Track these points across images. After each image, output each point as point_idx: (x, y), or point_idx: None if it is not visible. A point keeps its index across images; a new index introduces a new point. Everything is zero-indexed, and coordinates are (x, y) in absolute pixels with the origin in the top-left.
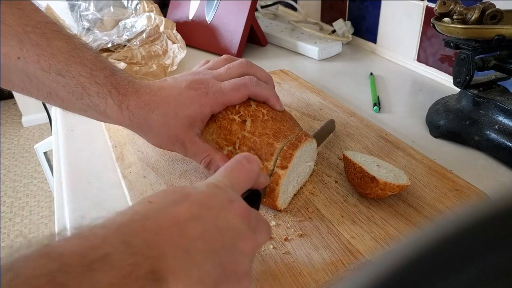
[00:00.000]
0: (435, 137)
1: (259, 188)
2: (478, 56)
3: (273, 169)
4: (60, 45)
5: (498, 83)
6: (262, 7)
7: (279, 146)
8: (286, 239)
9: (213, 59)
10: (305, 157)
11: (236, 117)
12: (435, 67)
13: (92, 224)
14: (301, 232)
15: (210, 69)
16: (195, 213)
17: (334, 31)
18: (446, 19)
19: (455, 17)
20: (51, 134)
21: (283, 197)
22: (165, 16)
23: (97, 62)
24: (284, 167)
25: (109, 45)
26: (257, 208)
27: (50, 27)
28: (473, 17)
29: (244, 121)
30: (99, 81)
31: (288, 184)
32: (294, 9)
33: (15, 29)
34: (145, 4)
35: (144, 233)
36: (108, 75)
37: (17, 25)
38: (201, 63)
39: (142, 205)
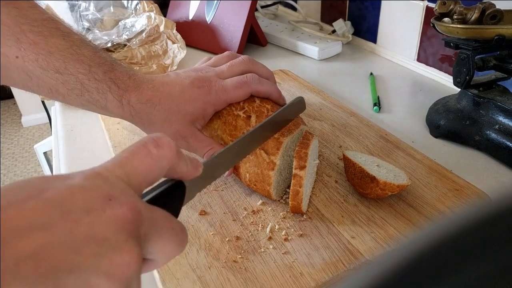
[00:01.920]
0: (435, 137)
1: (186, 179)
2: (478, 56)
3: (279, 164)
4: (57, 43)
5: (498, 83)
6: (262, 7)
7: (285, 140)
8: (286, 239)
9: (215, 56)
10: (313, 155)
11: (241, 113)
12: (435, 67)
13: None
14: (301, 232)
15: (212, 66)
16: (39, 218)
17: (334, 31)
18: (446, 19)
19: (455, 17)
20: (51, 134)
21: (305, 199)
22: (165, 16)
23: (95, 58)
24: (302, 167)
25: (109, 45)
26: (179, 205)
27: (47, 24)
28: (473, 17)
29: (249, 117)
30: (98, 77)
31: (306, 186)
32: (294, 9)
33: (12, 29)
34: (145, 4)
35: None
36: (107, 71)
37: (14, 24)
38: (203, 59)
39: None
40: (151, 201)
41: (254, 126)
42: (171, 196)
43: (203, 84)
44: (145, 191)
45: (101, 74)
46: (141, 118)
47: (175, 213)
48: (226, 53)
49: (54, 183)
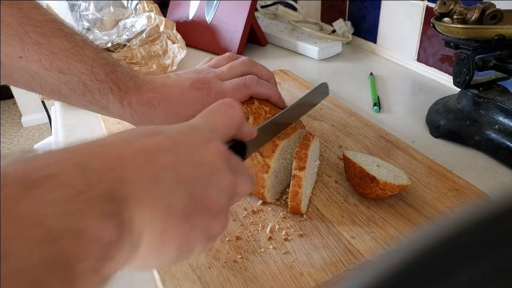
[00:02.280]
0: (435, 137)
1: (245, 140)
2: (478, 56)
3: (274, 166)
4: (60, 43)
5: (498, 83)
6: (262, 7)
7: (281, 144)
8: (286, 239)
9: (216, 57)
10: (313, 156)
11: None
12: (435, 67)
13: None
14: (301, 232)
15: (213, 67)
16: (166, 146)
17: (334, 31)
18: (446, 19)
19: (455, 17)
20: (51, 134)
21: (305, 200)
22: (165, 16)
23: (97, 58)
24: (302, 168)
25: (109, 45)
26: (243, 159)
27: (50, 25)
28: (473, 17)
29: (247, 118)
30: (100, 78)
31: (306, 187)
32: (294, 9)
33: (15, 29)
34: (145, 4)
35: (106, 157)
36: (109, 72)
37: (18, 25)
38: (205, 60)
39: (109, 136)
40: None
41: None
42: (237, 151)
43: (203, 86)
44: None
45: (103, 75)
46: (141, 119)
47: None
48: (226, 54)
49: (165, 128)
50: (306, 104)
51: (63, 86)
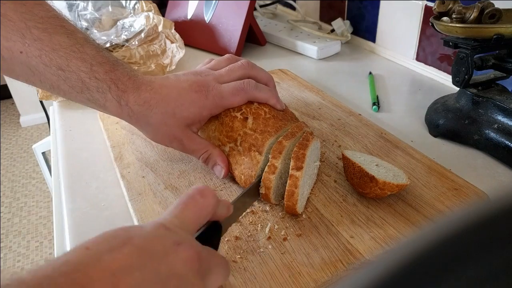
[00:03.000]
0: (434, 136)
1: (220, 220)
2: (477, 55)
3: (280, 168)
4: (61, 40)
5: (497, 82)
6: (261, 6)
7: (287, 144)
8: (285, 239)
9: (216, 58)
10: (312, 157)
11: (238, 114)
12: (434, 66)
13: (16, 277)
14: (300, 232)
15: (212, 68)
16: (134, 261)
17: (333, 31)
18: (445, 18)
19: (454, 16)
20: (49, 134)
21: (301, 200)
22: (163, 16)
23: (98, 57)
24: (299, 168)
25: (108, 45)
26: (218, 240)
27: (52, 21)
28: (472, 16)
29: (246, 118)
30: (99, 76)
31: (303, 187)
32: (293, 8)
33: (17, 24)
34: (144, 4)
35: (70, 286)
36: (108, 71)
37: (20, 20)
38: (205, 61)
39: (78, 252)
40: (197, 239)
41: (250, 127)
42: (211, 234)
43: (201, 89)
44: None
45: (102, 74)
46: (138, 119)
47: (216, 247)
48: (226, 56)
49: (135, 233)
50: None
51: (62, 83)
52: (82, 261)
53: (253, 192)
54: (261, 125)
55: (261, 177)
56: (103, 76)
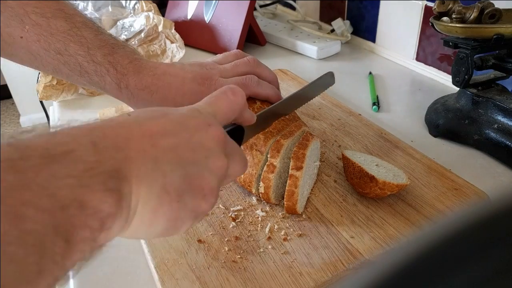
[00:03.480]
0: (434, 136)
1: (244, 125)
2: (477, 55)
3: (279, 167)
4: (59, 24)
5: (497, 82)
6: (261, 6)
7: (286, 143)
8: (285, 239)
9: (224, 53)
10: (312, 157)
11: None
12: (434, 66)
13: (67, 125)
14: (300, 232)
15: (219, 63)
16: (170, 128)
17: (333, 31)
18: (445, 18)
19: (454, 16)
20: None
21: (301, 200)
22: (163, 16)
23: (96, 40)
24: (299, 168)
25: None
26: (240, 143)
27: (51, 5)
28: (472, 16)
29: None
30: (96, 59)
31: (303, 187)
32: (293, 8)
33: (15, 10)
34: (144, 4)
35: (115, 137)
36: (107, 54)
37: (18, 5)
38: (213, 56)
39: (121, 117)
40: None
41: None
42: (236, 135)
43: (204, 82)
44: None
45: (100, 57)
46: (137, 103)
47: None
48: (234, 51)
49: (172, 110)
50: (308, 93)
51: (62, 66)
52: (126, 121)
53: (281, 111)
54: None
55: (288, 100)
56: (101, 59)
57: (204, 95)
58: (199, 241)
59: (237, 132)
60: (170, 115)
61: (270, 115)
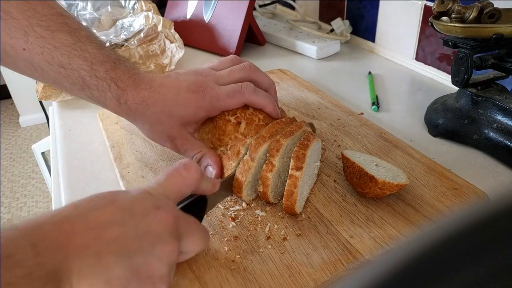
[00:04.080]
0: (434, 136)
1: (207, 194)
2: (477, 55)
3: (278, 166)
4: (63, 38)
5: (497, 81)
6: (260, 6)
7: (285, 142)
8: (284, 239)
9: (220, 58)
10: (313, 157)
11: (232, 118)
12: (433, 66)
13: (9, 225)
14: (299, 232)
15: (215, 69)
16: (115, 218)
17: (332, 30)
18: (444, 18)
19: (453, 16)
20: (49, 134)
21: (300, 200)
22: (163, 16)
23: (99, 55)
24: (299, 168)
25: (107, 44)
26: (202, 213)
27: (55, 19)
28: (471, 16)
29: (239, 123)
30: (99, 75)
31: (303, 187)
32: (293, 8)
33: (20, 22)
34: (143, 4)
35: (56, 235)
36: (109, 69)
37: (23, 18)
38: (210, 62)
39: (67, 208)
40: (182, 209)
41: (242, 132)
42: (197, 206)
43: (198, 89)
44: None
45: (102, 72)
46: (136, 117)
47: (200, 219)
48: (230, 56)
49: (120, 196)
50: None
51: (64, 80)
52: (70, 215)
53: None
54: (252, 131)
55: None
56: (104, 74)
57: (198, 102)
58: None
59: (200, 202)
60: (117, 201)
61: (229, 183)
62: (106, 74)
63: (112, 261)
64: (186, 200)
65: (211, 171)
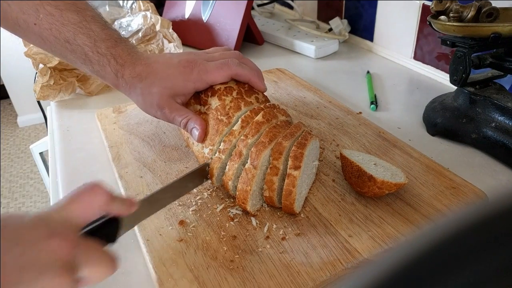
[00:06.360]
0: (432, 135)
1: (121, 216)
2: (475, 54)
3: (282, 169)
4: (70, 17)
5: (495, 81)
6: (259, 5)
7: (287, 144)
8: (283, 238)
9: (214, 47)
10: (311, 156)
11: (224, 118)
12: (431, 65)
13: None
14: (298, 231)
15: (208, 53)
16: (2, 244)
17: (330, 30)
18: (442, 17)
19: (451, 15)
20: (47, 135)
21: (299, 200)
22: (161, 15)
23: (102, 34)
24: (297, 167)
25: None
26: (114, 235)
27: None
28: (469, 15)
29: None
30: (101, 51)
31: (301, 186)
32: (291, 7)
33: (32, 1)
34: (141, 3)
35: None
36: (110, 47)
37: None
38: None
39: None
40: (90, 232)
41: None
42: (108, 228)
43: (189, 64)
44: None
45: (104, 49)
46: (130, 89)
47: (112, 241)
48: (223, 47)
49: (14, 220)
50: (188, 181)
51: (69, 53)
52: None
53: (163, 197)
54: (252, 132)
55: (169, 187)
56: (105, 51)
57: (187, 75)
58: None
59: (112, 223)
60: (8, 227)
61: (153, 201)
62: (107, 51)
63: None
64: (98, 221)
65: (195, 133)
